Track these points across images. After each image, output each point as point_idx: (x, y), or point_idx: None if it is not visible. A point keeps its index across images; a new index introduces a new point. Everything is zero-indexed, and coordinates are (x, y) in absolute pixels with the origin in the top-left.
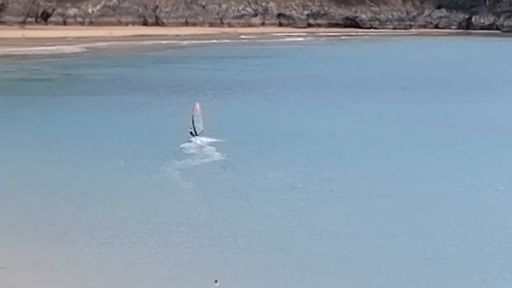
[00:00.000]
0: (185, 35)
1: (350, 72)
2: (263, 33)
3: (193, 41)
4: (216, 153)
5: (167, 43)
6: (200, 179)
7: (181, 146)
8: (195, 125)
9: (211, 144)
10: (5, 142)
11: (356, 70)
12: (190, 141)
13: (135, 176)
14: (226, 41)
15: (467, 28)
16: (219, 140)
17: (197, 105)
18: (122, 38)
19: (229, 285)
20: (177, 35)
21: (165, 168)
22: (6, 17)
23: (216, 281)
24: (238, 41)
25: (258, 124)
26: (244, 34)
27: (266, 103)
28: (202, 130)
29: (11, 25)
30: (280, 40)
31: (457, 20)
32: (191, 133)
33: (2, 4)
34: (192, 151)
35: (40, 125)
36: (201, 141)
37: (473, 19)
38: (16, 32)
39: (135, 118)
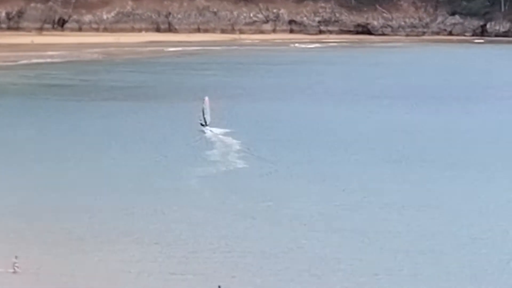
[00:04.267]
0: (196, 42)
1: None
2: (266, 40)
3: (204, 48)
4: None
5: (178, 50)
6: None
7: (196, 136)
8: (205, 116)
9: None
10: (31, 144)
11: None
12: (202, 131)
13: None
14: (235, 47)
15: (482, 35)
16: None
17: (206, 98)
18: (134, 44)
19: None
20: (188, 42)
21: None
22: (25, 24)
23: (219, 287)
24: (247, 48)
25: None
26: (248, 40)
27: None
28: (210, 121)
29: (29, 31)
30: (289, 46)
31: (471, 27)
32: (201, 124)
33: (20, 11)
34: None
35: (65, 129)
36: (211, 130)
37: (488, 26)
38: (25, 39)
39: (153, 119)
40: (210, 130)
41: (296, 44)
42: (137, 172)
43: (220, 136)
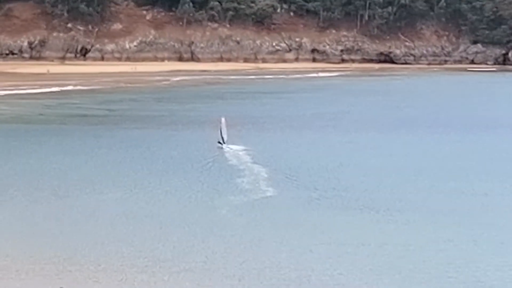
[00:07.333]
0: (218, 71)
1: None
2: (288, 69)
3: (227, 77)
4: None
5: (201, 78)
6: None
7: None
8: (222, 135)
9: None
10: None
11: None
12: (220, 148)
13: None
14: (257, 76)
15: (504, 63)
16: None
17: (223, 119)
18: (155, 73)
19: None
20: (211, 71)
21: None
22: (47, 53)
23: None
24: (269, 76)
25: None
26: (270, 69)
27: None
28: (227, 140)
29: (52, 60)
30: (311, 75)
31: (493, 56)
32: (219, 142)
33: (42, 40)
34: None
35: (99, 158)
36: (228, 147)
37: (510, 54)
38: (42, 68)
39: (181, 145)
40: (228, 147)
41: (319, 73)
42: (169, 203)
43: (237, 153)
